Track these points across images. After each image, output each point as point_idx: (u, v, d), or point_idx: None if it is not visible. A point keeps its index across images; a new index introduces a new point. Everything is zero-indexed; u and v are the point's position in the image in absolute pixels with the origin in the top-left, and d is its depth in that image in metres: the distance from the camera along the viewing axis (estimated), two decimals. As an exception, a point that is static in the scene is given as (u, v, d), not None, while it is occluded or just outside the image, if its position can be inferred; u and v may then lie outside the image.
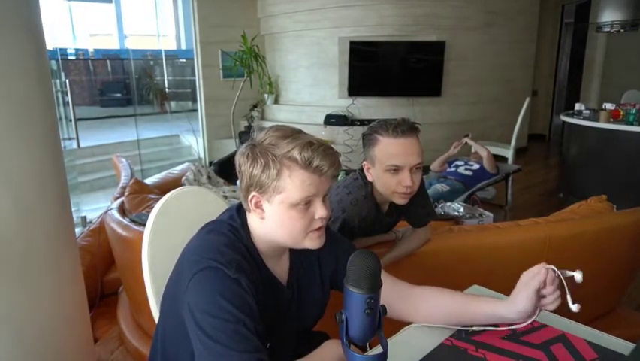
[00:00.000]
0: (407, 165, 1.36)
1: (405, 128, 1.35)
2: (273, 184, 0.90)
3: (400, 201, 1.43)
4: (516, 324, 0.99)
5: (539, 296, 0.94)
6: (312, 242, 0.96)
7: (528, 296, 0.93)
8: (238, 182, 0.97)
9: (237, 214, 1.00)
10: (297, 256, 1.06)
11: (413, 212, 1.62)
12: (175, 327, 0.93)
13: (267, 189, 0.91)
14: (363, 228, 1.52)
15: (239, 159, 0.94)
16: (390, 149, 1.36)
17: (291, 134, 0.91)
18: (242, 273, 0.88)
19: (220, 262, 0.87)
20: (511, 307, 0.97)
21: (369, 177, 1.47)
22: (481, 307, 1.02)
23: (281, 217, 0.92)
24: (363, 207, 1.48)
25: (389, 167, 1.37)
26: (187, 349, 0.88)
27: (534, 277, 0.94)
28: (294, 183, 0.89)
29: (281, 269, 1.04)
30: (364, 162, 1.47)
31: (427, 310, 1.06)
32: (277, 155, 0.89)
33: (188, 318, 0.85)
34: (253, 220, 0.98)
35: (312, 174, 0.89)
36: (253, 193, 0.92)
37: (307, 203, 0.91)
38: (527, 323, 0.98)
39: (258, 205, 0.94)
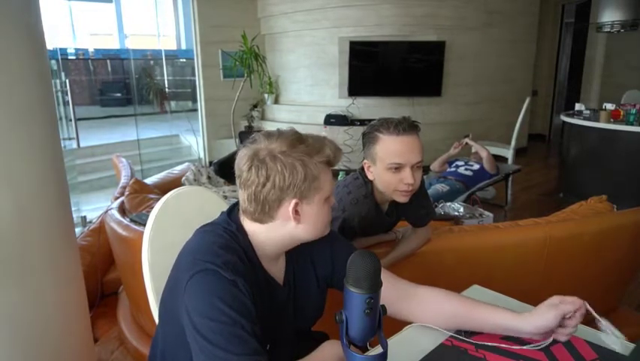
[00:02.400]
0: (408, 163, 1.36)
1: (406, 126, 1.36)
2: (314, 185, 0.93)
3: (401, 199, 1.43)
4: (526, 340, 0.98)
5: (561, 323, 0.94)
6: (328, 227, 1.03)
7: (554, 316, 0.93)
8: (243, 192, 0.94)
9: (230, 218, 1.00)
10: (293, 256, 1.07)
11: (413, 212, 1.62)
12: (174, 329, 0.93)
13: (309, 192, 0.93)
14: (363, 227, 1.52)
15: (255, 171, 0.91)
16: (391, 147, 1.36)
17: (300, 137, 0.95)
18: (238, 275, 0.87)
19: (216, 264, 0.87)
20: (531, 320, 0.95)
21: (370, 176, 1.46)
22: (491, 315, 1.00)
23: (318, 214, 0.96)
24: (363, 207, 1.48)
25: (391, 165, 1.37)
26: (186, 351, 0.88)
27: (567, 302, 0.93)
28: (326, 180, 0.95)
29: (277, 270, 1.04)
30: (365, 161, 1.46)
31: (428, 312, 1.06)
32: (312, 160, 0.92)
33: (186, 321, 0.85)
34: (255, 226, 0.97)
35: (330, 169, 0.98)
36: (294, 200, 0.92)
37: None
38: (539, 344, 0.97)
39: (296, 210, 0.94)
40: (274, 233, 0.97)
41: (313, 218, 0.96)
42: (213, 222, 1.01)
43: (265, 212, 0.94)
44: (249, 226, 0.98)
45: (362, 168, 1.50)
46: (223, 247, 0.92)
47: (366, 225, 1.52)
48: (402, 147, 1.35)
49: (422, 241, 1.69)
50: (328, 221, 1.01)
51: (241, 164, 0.93)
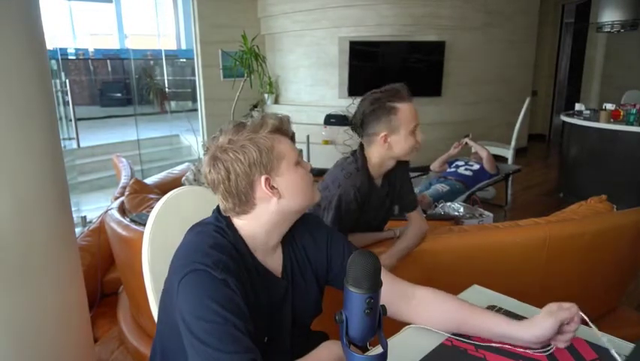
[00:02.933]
0: (418, 123, 1.55)
1: (408, 91, 1.53)
2: (273, 156, 0.95)
3: (412, 156, 1.59)
4: (524, 347, 0.97)
5: (559, 330, 0.94)
6: (316, 194, 1.04)
7: (551, 324, 0.92)
8: (218, 194, 0.98)
9: (220, 215, 1.01)
10: (290, 250, 1.07)
11: (405, 195, 1.74)
12: (172, 330, 0.93)
13: (272, 164, 0.95)
14: (360, 202, 1.56)
15: (215, 169, 0.95)
16: (409, 113, 1.52)
17: (239, 123, 0.98)
18: (229, 273, 0.88)
19: (206, 264, 0.87)
20: (529, 329, 0.95)
21: (385, 147, 1.54)
22: (490, 322, 1.00)
23: (295, 180, 0.98)
24: (357, 179, 1.56)
25: (412, 128, 1.53)
26: (185, 351, 0.88)
27: (564, 309, 0.93)
28: (285, 147, 0.97)
29: (274, 262, 1.05)
30: (382, 133, 1.52)
31: (426, 314, 1.06)
32: (258, 135, 0.94)
33: (180, 322, 0.86)
34: (242, 221, 0.99)
35: (286, 135, 1.00)
36: (263, 177, 0.94)
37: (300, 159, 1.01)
38: (542, 350, 0.96)
39: (270, 185, 0.95)
40: (262, 219, 0.98)
41: (292, 186, 0.97)
42: (204, 221, 1.02)
43: (244, 202, 0.96)
44: (237, 222, 0.99)
45: (355, 151, 1.62)
46: (213, 246, 0.92)
47: (362, 197, 1.57)
48: (414, 110, 1.54)
49: (421, 232, 1.71)
50: (310, 186, 1.02)
51: (205, 171, 0.97)
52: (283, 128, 0.98)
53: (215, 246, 0.92)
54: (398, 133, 1.52)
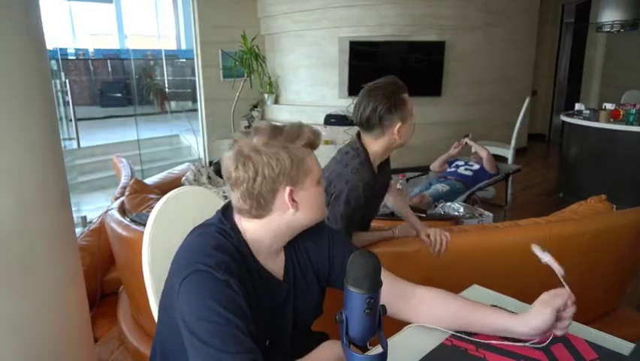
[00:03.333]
0: None
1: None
2: (302, 169, 0.94)
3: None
4: (525, 341, 0.98)
5: (556, 317, 0.94)
6: (325, 211, 1.05)
7: (549, 314, 0.93)
8: (236, 192, 0.94)
9: (224, 217, 1.00)
10: (292, 253, 1.07)
11: (388, 175, 1.84)
12: (172, 330, 0.93)
13: (299, 177, 0.94)
14: (367, 195, 1.59)
15: (243, 168, 0.91)
16: (411, 102, 1.62)
17: (276, 127, 0.96)
18: (231, 275, 0.87)
19: (208, 264, 0.87)
20: (527, 322, 0.96)
21: (398, 137, 1.60)
22: (490, 318, 1.01)
23: (314, 197, 0.98)
24: (364, 173, 1.60)
25: (413, 117, 1.63)
26: (184, 352, 0.88)
27: (556, 296, 0.94)
28: (313, 163, 0.97)
29: (276, 265, 1.05)
30: (398, 125, 1.58)
31: (427, 312, 1.06)
32: (294, 145, 0.93)
33: (181, 322, 0.86)
34: (252, 224, 0.97)
35: (313, 152, 1.00)
36: (288, 188, 0.93)
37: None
38: (538, 344, 0.97)
39: (292, 198, 0.95)
40: (273, 226, 0.97)
41: (311, 202, 0.97)
42: (207, 222, 1.01)
43: (262, 206, 0.94)
44: (246, 224, 0.98)
45: (352, 143, 1.67)
46: (216, 247, 0.92)
47: (369, 189, 1.60)
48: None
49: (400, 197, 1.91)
50: (323, 204, 1.03)
51: (228, 165, 0.93)
52: (315, 144, 0.98)
53: (218, 247, 0.92)
54: (407, 122, 1.61)
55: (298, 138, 0.94)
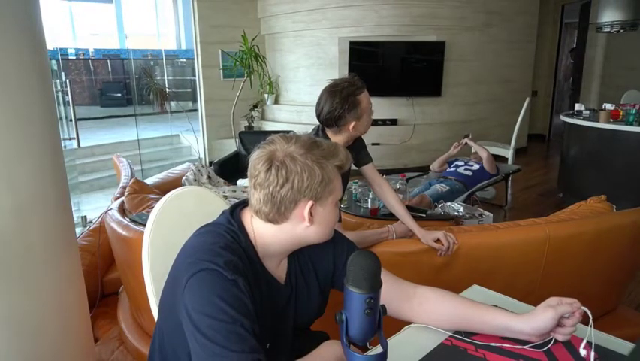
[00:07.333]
0: (371, 103, 1.82)
1: (360, 80, 1.79)
2: (328, 188, 0.95)
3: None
4: (525, 342, 0.99)
5: (559, 323, 0.95)
6: (333, 231, 1.06)
7: (551, 317, 0.94)
8: (259, 192, 0.93)
9: (232, 217, 1.00)
10: (295, 257, 1.07)
11: (357, 152, 1.93)
12: (173, 328, 0.93)
13: (323, 194, 0.94)
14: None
15: (275, 172, 0.91)
16: (367, 100, 1.78)
17: (315, 141, 0.97)
18: (239, 274, 0.87)
19: (217, 263, 0.87)
20: (529, 321, 0.96)
21: (353, 131, 1.78)
22: (491, 316, 1.01)
23: (329, 215, 0.98)
24: None
25: (370, 110, 1.80)
26: (185, 350, 0.88)
27: (564, 303, 0.94)
28: (338, 184, 0.98)
29: (279, 270, 1.05)
30: (352, 123, 1.74)
31: (428, 312, 1.06)
32: (328, 162, 0.94)
33: (185, 319, 0.85)
34: (266, 227, 0.97)
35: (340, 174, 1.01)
36: (310, 202, 0.93)
37: None
38: (540, 344, 0.97)
39: (311, 212, 0.94)
40: (285, 234, 0.97)
41: (325, 220, 0.98)
42: (215, 222, 1.01)
43: (280, 213, 0.94)
44: (260, 225, 0.97)
45: (318, 131, 1.82)
46: (224, 247, 0.92)
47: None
48: (368, 95, 1.79)
49: (389, 188, 1.98)
50: (335, 225, 1.03)
51: (259, 165, 0.92)
52: (344, 168, 0.99)
53: (227, 247, 0.92)
54: (362, 119, 1.77)
55: (333, 157, 0.95)
